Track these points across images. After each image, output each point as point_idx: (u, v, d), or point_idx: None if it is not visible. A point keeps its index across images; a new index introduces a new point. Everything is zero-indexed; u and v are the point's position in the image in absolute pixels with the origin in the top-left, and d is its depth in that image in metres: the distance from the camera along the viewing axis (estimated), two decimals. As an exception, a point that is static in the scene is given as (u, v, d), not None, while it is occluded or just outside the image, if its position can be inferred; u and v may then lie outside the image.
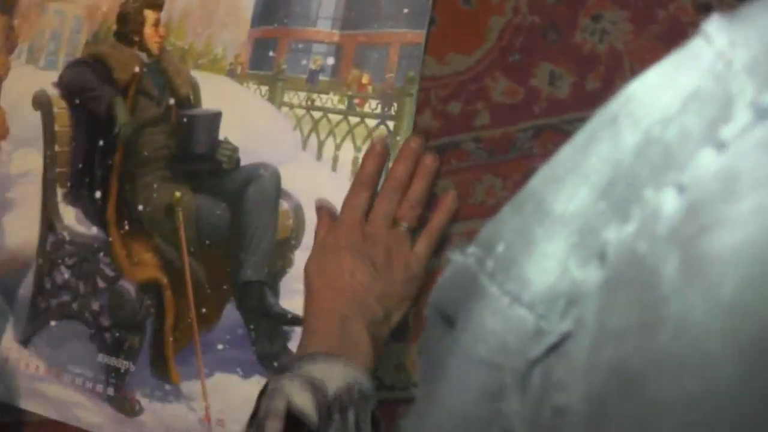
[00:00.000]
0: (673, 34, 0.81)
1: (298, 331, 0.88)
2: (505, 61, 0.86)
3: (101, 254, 0.98)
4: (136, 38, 0.98)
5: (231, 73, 0.94)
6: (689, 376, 0.29)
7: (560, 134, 0.84)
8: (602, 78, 0.83)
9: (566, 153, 0.38)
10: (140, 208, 0.96)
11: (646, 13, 0.83)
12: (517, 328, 0.35)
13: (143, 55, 0.98)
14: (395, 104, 0.87)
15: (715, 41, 0.34)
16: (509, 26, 0.86)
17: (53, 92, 1.02)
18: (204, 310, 0.93)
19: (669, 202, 0.32)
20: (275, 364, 0.89)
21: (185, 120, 0.95)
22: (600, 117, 0.38)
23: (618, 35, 0.83)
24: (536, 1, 0.86)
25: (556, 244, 0.35)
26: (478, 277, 0.37)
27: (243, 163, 0.92)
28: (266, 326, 0.89)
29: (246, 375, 0.90)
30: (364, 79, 0.90)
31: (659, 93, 0.35)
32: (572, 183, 0.36)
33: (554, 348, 0.34)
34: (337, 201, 0.89)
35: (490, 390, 0.36)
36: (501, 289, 0.36)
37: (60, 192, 1.01)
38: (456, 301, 0.39)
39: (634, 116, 0.35)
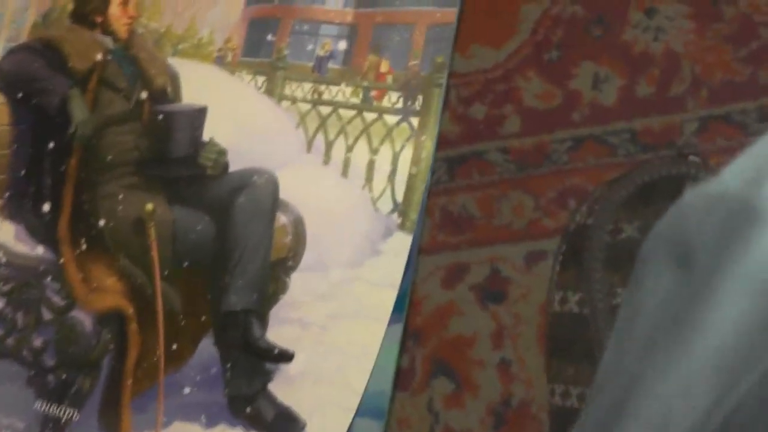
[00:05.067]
0: (744, 35, 0.81)
1: (283, 370, 0.87)
2: (540, 59, 0.86)
3: (48, 279, 0.94)
4: (99, 19, 0.95)
5: (219, 61, 0.94)
6: None
7: (604, 146, 0.83)
8: (656, 83, 0.83)
9: None
10: (101, 223, 0.93)
11: (710, 9, 0.83)
12: None
13: (107, 40, 0.95)
14: (420, 97, 0.87)
15: None
16: (546, 17, 0.86)
17: (-11, 83, 0.99)
18: (175, 345, 0.90)
19: None
20: (248, 409, 0.87)
21: (161, 117, 0.93)
22: None
23: (676, 34, 0.83)
24: (578, -13, 0.86)
25: None
26: (754, 202, 0.41)
27: (232, 168, 0.91)
28: (246, 364, 0.88)
29: (210, 423, 0.88)
30: (383, 67, 0.89)
31: None
32: None
33: None
34: (347, 214, 0.87)
35: None
36: None
37: (-5, 204, 0.99)
38: (710, 231, 0.42)
39: None
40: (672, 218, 0.44)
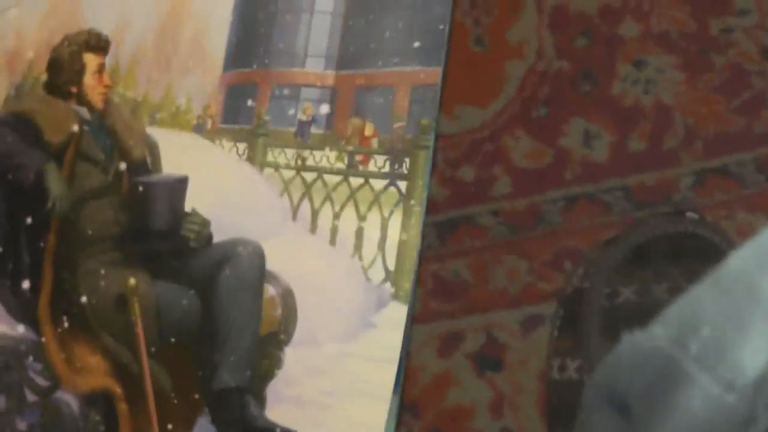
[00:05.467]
0: (736, 85, 0.82)
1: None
2: (528, 116, 0.86)
3: (30, 359, 0.93)
4: (74, 89, 0.95)
5: (199, 129, 0.94)
6: None
7: (598, 205, 0.83)
8: (649, 137, 0.83)
9: None
10: (83, 300, 0.92)
11: (700, 59, 0.83)
12: (728, 416, 0.41)
13: (83, 111, 0.94)
14: (407, 160, 0.87)
15: None
16: (532, 73, 0.86)
17: (-38, 160, 0.98)
18: (170, 426, 0.89)
19: None
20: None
21: (141, 189, 0.92)
22: None
23: (666, 86, 0.84)
24: (563, 43, 0.85)
25: None
26: (680, 362, 0.42)
27: (216, 239, 0.90)
28: None
29: None
30: (368, 130, 0.89)
31: None
32: None
33: None
34: (338, 284, 0.87)
35: None
36: (712, 375, 0.41)
37: (-27, 283, 0.95)
38: (641, 386, 0.43)
39: None
40: (608, 369, 0.45)
